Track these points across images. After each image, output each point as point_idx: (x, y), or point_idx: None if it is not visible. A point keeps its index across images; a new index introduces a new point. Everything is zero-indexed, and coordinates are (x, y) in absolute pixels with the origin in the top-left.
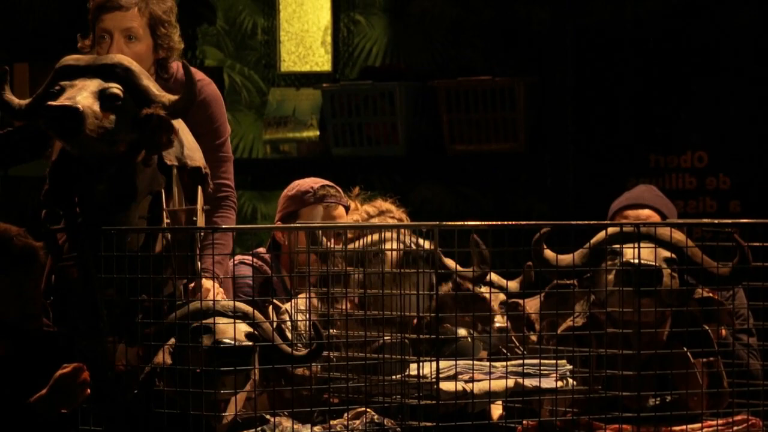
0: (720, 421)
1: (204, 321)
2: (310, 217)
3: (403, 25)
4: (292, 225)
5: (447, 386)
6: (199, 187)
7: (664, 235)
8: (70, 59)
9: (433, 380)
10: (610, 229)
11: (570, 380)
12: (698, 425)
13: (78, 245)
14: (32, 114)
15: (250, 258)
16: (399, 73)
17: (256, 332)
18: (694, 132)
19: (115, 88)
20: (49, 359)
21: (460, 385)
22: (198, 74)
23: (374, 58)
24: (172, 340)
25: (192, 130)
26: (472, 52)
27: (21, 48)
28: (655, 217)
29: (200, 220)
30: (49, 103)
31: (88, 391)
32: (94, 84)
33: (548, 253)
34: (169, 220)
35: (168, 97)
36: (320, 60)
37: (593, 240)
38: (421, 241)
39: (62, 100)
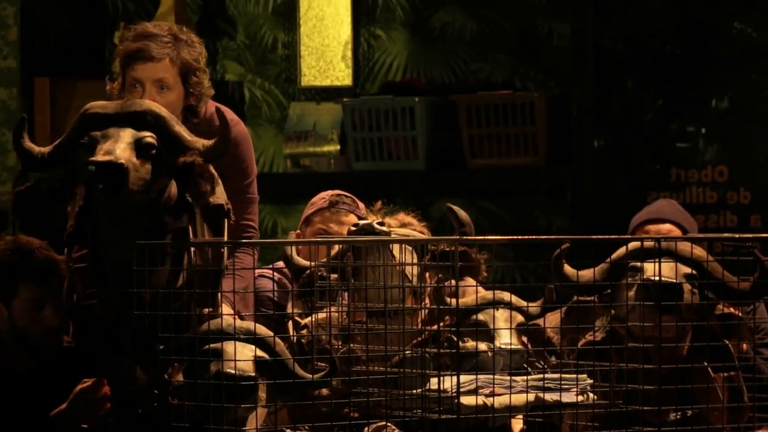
0: None
1: (215, 344)
2: (321, 221)
3: (423, 39)
4: (313, 240)
5: (467, 400)
6: (225, 221)
7: (684, 251)
8: (96, 107)
9: (454, 394)
10: (631, 245)
11: (590, 394)
12: None
13: (101, 274)
14: (56, 162)
15: (270, 272)
16: (419, 88)
17: (267, 357)
18: (714, 146)
19: (150, 137)
20: (71, 375)
21: (480, 400)
22: (228, 114)
23: (394, 72)
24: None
25: (219, 170)
26: (493, 67)
27: (42, 62)
28: (676, 232)
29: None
30: (92, 159)
31: (109, 405)
32: (128, 134)
33: (568, 270)
34: (195, 257)
35: (202, 143)
36: (341, 74)
37: (614, 255)
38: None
39: (102, 155)
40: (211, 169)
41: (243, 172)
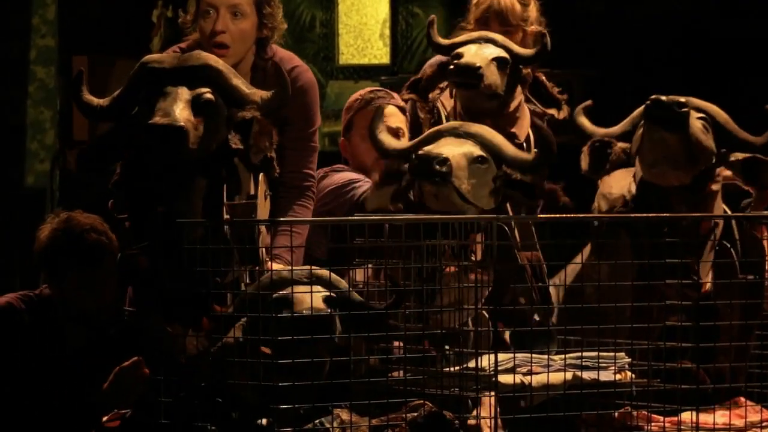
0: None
1: (282, 292)
2: (364, 120)
3: (461, 17)
4: (348, 218)
5: (505, 379)
6: (261, 175)
7: (698, 103)
8: (153, 61)
9: (492, 373)
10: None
11: (629, 373)
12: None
13: (149, 235)
14: (113, 114)
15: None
16: None
17: (333, 294)
18: (752, 126)
19: (207, 94)
20: (121, 351)
21: (518, 378)
22: (294, 60)
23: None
24: (243, 319)
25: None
26: None
27: (81, 40)
28: None
29: (262, 211)
30: (151, 121)
31: (145, 386)
32: (185, 92)
33: (588, 126)
34: (228, 216)
35: (260, 95)
36: (378, 53)
37: (634, 113)
38: None
39: (161, 116)
40: (270, 124)
41: (309, 120)
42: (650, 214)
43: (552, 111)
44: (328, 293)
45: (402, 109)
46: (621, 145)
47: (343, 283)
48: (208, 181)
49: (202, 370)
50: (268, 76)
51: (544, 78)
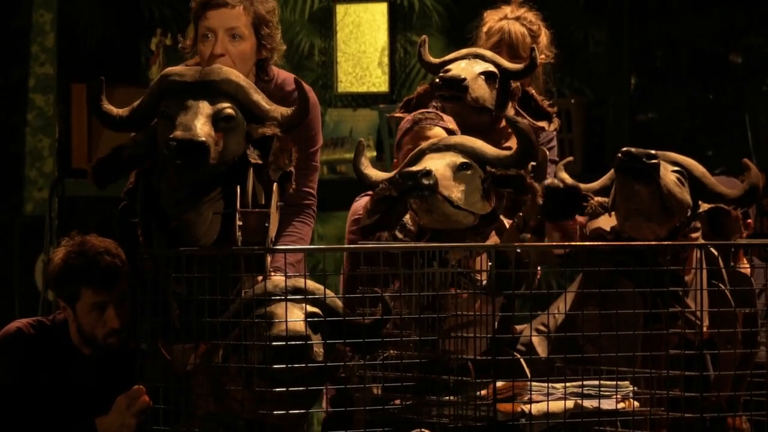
0: None
1: (263, 310)
2: (410, 141)
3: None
4: (344, 246)
5: (505, 407)
6: (275, 186)
7: (674, 157)
8: (174, 74)
9: (491, 401)
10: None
11: (632, 401)
12: None
13: (157, 245)
14: (132, 125)
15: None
16: None
17: (319, 312)
18: (751, 153)
19: (228, 109)
20: (128, 376)
21: (518, 406)
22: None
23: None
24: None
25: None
26: None
27: (79, 68)
28: None
29: (273, 221)
30: (172, 135)
31: (146, 414)
32: (206, 107)
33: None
34: (241, 222)
35: (280, 111)
36: (377, 81)
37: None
38: None
39: (182, 131)
40: (290, 141)
41: (311, 139)
42: (641, 242)
43: (542, 123)
44: (311, 310)
45: (451, 132)
46: (598, 199)
47: (332, 299)
48: (221, 193)
49: (198, 393)
50: (271, 96)
51: (534, 92)
